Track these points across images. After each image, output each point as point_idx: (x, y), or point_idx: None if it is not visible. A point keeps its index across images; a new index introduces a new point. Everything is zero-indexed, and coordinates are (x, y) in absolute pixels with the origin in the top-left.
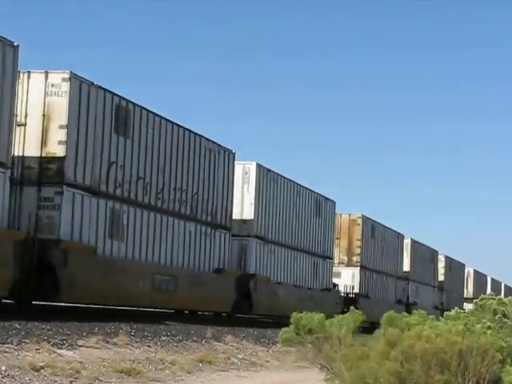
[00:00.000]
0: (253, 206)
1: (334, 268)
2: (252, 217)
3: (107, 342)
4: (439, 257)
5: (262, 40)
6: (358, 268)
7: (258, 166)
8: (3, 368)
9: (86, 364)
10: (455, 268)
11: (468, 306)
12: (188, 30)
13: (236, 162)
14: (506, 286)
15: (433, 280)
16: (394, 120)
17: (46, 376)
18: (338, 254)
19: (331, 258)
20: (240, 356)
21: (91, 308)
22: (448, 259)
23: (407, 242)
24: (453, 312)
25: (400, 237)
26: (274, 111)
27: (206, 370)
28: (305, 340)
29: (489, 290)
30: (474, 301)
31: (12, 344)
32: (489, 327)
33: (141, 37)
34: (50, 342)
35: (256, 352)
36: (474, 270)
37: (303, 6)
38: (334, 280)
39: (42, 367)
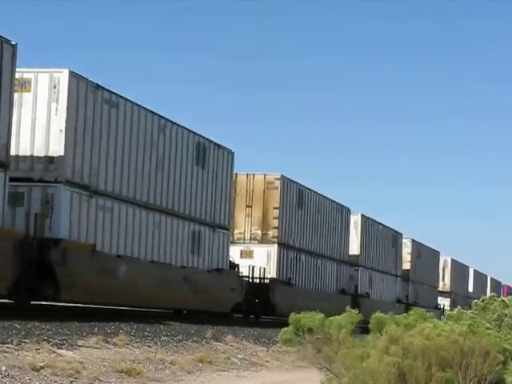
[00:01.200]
0: (63, 135)
1: (244, 245)
2: (62, 153)
3: (107, 342)
4: (404, 241)
5: (260, 40)
6: (276, 245)
7: (75, 77)
8: (3, 368)
9: (86, 364)
10: (426, 255)
11: (444, 301)
12: (187, 31)
13: (39, 70)
14: (492, 279)
15: (395, 268)
16: (394, 119)
17: (46, 376)
18: (250, 228)
19: (227, 229)
20: (240, 356)
21: (91, 308)
22: (416, 244)
23: (357, 219)
24: (455, 312)
25: (346, 210)
26: (272, 111)
27: (206, 369)
28: (304, 340)
29: (471, 284)
30: (475, 301)
31: (12, 344)
32: (489, 328)
33: (138, 36)
34: (50, 342)
35: (256, 352)
36: (453, 260)
37: (303, 6)
38: (246, 261)
39: (41, 367)
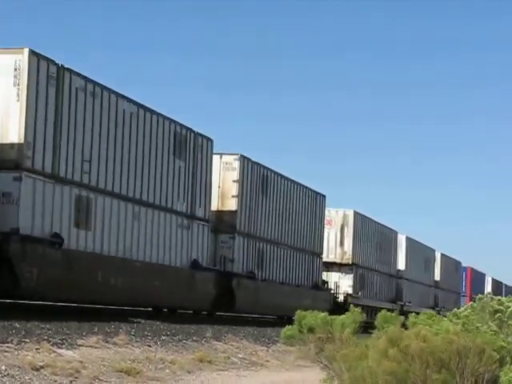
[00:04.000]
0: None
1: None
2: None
3: (107, 342)
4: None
5: (259, 41)
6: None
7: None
8: (3, 367)
9: (85, 363)
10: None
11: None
12: (186, 32)
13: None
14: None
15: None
16: (390, 120)
17: (45, 375)
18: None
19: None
20: (240, 355)
21: (91, 307)
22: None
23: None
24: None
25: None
26: (269, 113)
27: (205, 369)
28: (307, 338)
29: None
30: (471, 303)
31: (12, 343)
32: (488, 327)
33: (140, 39)
34: (49, 341)
35: (256, 351)
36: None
37: (303, 8)
38: None
39: (41, 367)
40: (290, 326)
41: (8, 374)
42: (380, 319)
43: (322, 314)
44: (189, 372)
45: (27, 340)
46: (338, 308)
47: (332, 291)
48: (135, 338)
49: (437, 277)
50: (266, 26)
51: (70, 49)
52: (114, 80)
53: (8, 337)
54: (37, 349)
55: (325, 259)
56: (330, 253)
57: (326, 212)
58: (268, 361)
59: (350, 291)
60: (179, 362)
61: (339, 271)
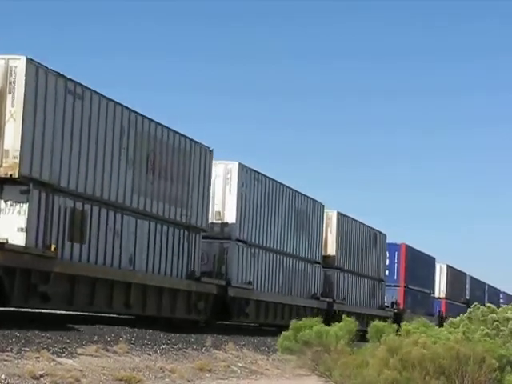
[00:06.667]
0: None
1: None
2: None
3: (107, 350)
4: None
5: (259, 45)
6: None
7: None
8: (3, 376)
9: (85, 372)
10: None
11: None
12: (186, 35)
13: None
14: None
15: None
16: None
17: None
18: None
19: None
20: (240, 364)
21: (91, 316)
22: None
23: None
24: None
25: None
26: (270, 119)
27: (205, 378)
28: (304, 349)
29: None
30: (469, 310)
31: (12, 352)
32: (487, 334)
33: (138, 43)
34: (49, 350)
35: (256, 360)
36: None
37: (304, 10)
38: None
39: (41, 375)
40: (286, 333)
41: (8, 383)
42: (372, 329)
43: (316, 327)
44: (189, 381)
45: (27, 349)
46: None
47: None
48: (135, 346)
49: None
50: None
51: (65, 53)
52: (109, 85)
53: (8, 345)
54: (37, 357)
55: None
56: None
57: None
58: (268, 369)
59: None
60: (179, 371)
61: None
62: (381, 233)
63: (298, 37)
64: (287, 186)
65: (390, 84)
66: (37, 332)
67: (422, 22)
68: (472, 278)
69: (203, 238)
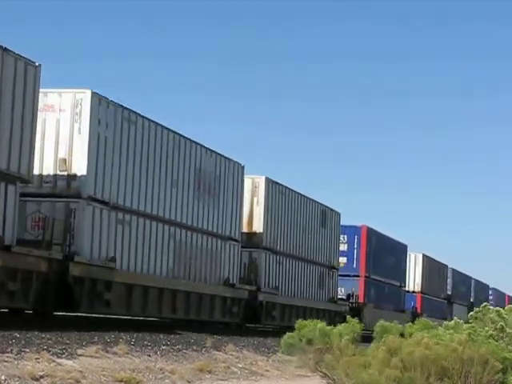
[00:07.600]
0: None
1: None
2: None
3: (107, 351)
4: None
5: (259, 45)
6: None
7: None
8: (3, 377)
9: (85, 373)
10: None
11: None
12: (186, 35)
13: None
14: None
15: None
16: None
17: None
18: None
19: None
20: (240, 365)
21: (91, 317)
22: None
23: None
24: (453, 322)
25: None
26: (278, 121)
27: (205, 379)
28: (307, 348)
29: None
30: (470, 313)
31: (12, 353)
32: (491, 336)
33: (139, 43)
34: (49, 351)
35: (256, 361)
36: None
37: (304, 10)
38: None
39: (41, 376)
40: (291, 333)
41: None
42: (378, 329)
43: (320, 325)
44: (189, 382)
45: (27, 350)
46: None
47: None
48: (135, 347)
49: None
50: (268, 31)
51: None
52: (109, 85)
53: (8, 346)
54: (36, 358)
55: None
56: None
57: None
58: (268, 370)
59: None
60: (179, 372)
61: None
62: (332, 210)
63: (298, 37)
64: (187, 138)
65: (390, 84)
66: (37, 333)
67: (422, 22)
68: (454, 271)
69: None
